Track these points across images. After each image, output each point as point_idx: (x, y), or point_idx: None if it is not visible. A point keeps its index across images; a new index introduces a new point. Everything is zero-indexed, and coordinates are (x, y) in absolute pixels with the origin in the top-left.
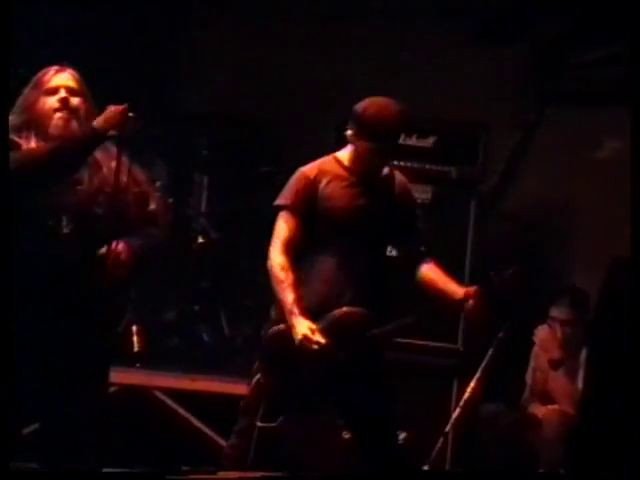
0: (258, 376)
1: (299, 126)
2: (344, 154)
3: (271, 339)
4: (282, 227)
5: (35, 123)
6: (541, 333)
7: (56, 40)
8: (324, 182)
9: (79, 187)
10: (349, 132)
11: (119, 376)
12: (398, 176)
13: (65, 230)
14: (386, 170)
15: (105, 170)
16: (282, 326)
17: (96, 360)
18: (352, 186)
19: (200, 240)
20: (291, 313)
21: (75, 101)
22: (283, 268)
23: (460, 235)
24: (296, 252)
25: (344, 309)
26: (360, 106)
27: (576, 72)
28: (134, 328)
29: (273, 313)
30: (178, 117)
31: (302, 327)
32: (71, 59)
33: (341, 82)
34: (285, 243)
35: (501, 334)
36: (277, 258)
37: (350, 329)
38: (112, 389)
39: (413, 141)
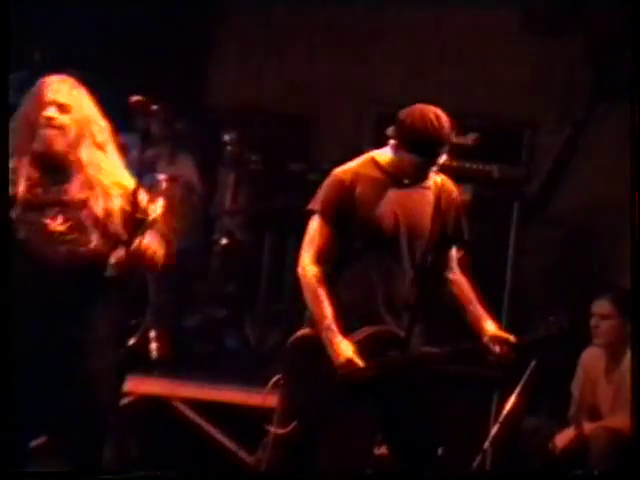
0: (276, 377)
1: (332, 122)
2: (384, 156)
3: (295, 342)
4: (316, 234)
5: (26, 135)
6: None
7: (79, 31)
8: (361, 187)
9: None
10: (392, 141)
11: (136, 384)
12: (446, 183)
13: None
14: (433, 178)
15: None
16: (308, 330)
17: (110, 366)
18: (392, 192)
19: (224, 241)
20: (329, 330)
21: (63, 119)
22: (319, 280)
23: (501, 241)
24: (330, 262)
25: (375, 327)
26: (406, 115)
27: (629, 66)
28: (152, 333)
29: (305, 320)
30: (205, 110)
31: (346, 349)
32: (96, 50)
33: (377, 76)
34: (319, 252)
35: (561, 322)
36: (311, 268)
37: (379, 348)
38: (128, 399)
39: (453, 138)
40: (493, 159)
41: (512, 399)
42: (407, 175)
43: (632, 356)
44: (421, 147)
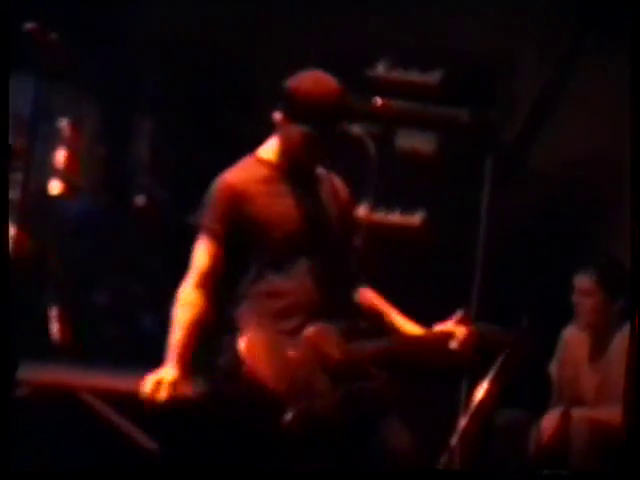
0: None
1: (276, 61)
2: (268, 149)
3: (249, 344)
4: (198, 255)
5: None
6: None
7: None
8: (251, 191)
9: None
10: (277, 116)
11: (36, 374)
12: (336, 180)
13: None
14: (322, 171)
15: None
16: (251, 334)
17: None
18: (285, 191)
19: (141, 201)
20: (167, 358)
21: None
22: (184, 305)
23: (472, 201)
24: (214, 283)
25: (313, 327)
26: (292, 82)
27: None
28: (54, 312)
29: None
30: (119, 42)
31: (160, 374)
32: None
33: (324, 7)
34: (200, 275)
35: (519, 326)
36: (183, 293)
37: (326, 345)
38: (25, 390)
39: (414, 75)
40: (461, 102)
41: (483, 388)
42: (294, 156)
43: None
44: (311, 112)
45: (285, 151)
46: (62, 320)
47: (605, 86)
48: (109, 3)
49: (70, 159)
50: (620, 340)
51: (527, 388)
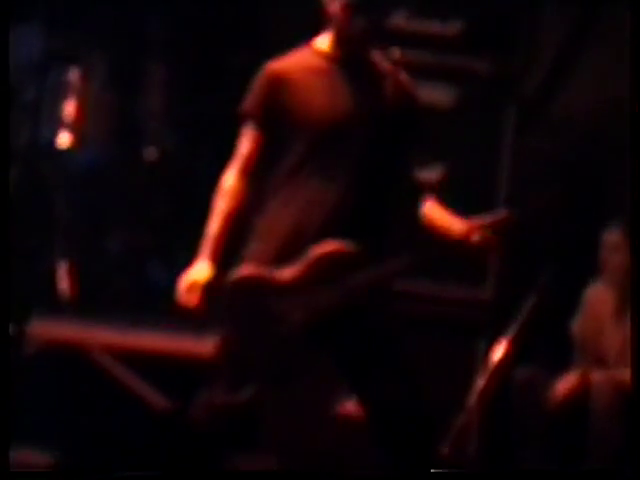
0: (219, 335)
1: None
2: (324, 40)
3: (235, 286)
4: (242, 141)
5: None
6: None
7: None
8: (298, 79)
9: None
10: None
11: (44, 329)
12: (401, 74)
13: None
14: (387, 66)
15: None
16: (250, 269)
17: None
18: (334, 81)
19: (151, 151)
20: (201, 250)
21: None
22: (227, 194)
23: (493, 152)
24: (263, 172)
25: (326, 245)
26: None
27: None
28: (63, 265)
29: (246, 252)
30: None
31: (191, 272)
32: None
33: None
34: (244, 162)
35: (542, 279)
36: (226, 181)
37: (335, 270)
38: (35, 345)
39: (432, 27)
40: (481, 52)
41: (502, 345)
42: (341, 32)
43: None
44: None
45: (337, 38)
46: (71, 274)
47: (625, 36)
48: None
49: (79, 110)
50: None
51: (548, 345)
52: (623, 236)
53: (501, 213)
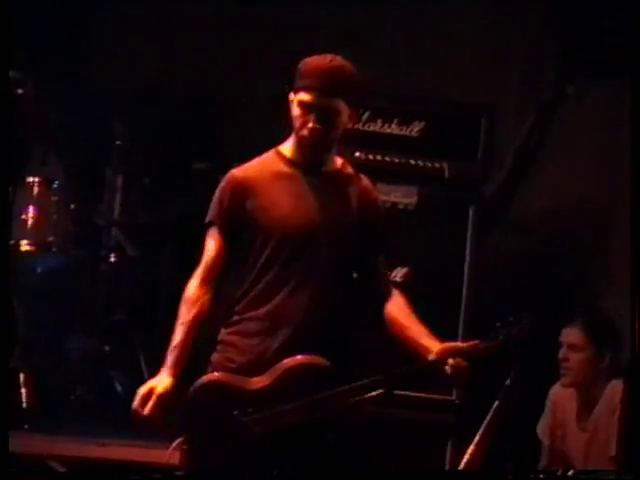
0: (179, 440)
1: (243, 110)
2: (288, 145)
3: (199, 392)
4: (208, 248)
5: None
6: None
7: None
8: (263, 185)
9: None
10: (290, 96)
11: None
12: (363, 179)
13: None
14: (348, 170)
15: None
16: (216, 375)
17: None
18: (299, 187)
19: (112, 258)
20: (166, 359)
21: None
22: (190, 302)
23: (455, 251)
24: (217, 277)
25: (298, 358)
26: (302, 61)
27: (607, 38)
28: (22, 376)
29: (214, 358)
30: (84, 94)
31: (150, 382)
32: None
33: (299, 51)
34: (206, 268)
35: (508, 382)
36: (189, 289)
37: (303, 383)
38: None
39: (393, 128)
40: (443, 154)
41: (470, 449)
42: (298, 131)
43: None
44: (306, 78)
45: (295, 133)
46: (30, 385)
47: (585, 131)
48: (74, 58)
49: (39, 217)
50: (608, 397)
51: (515, 448)
52: (583, 336)
53: (473, 343)
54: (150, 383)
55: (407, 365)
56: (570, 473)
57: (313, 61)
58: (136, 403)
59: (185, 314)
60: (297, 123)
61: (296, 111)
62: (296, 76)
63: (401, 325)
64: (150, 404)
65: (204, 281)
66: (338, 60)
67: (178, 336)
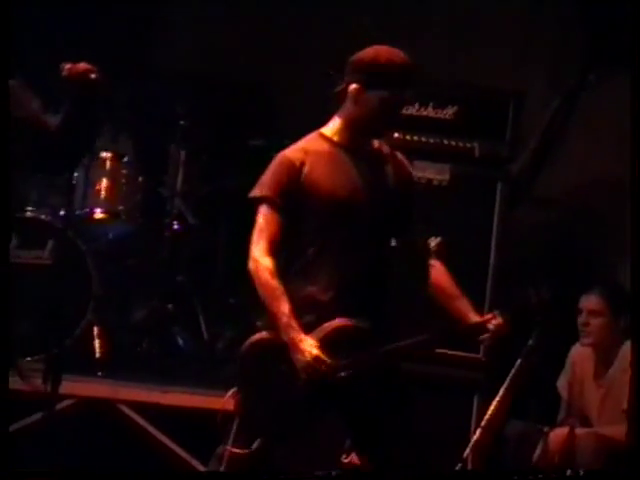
0: (232, 390)
1: (296, 91)
2: (331, 127)
3: (251, 348)
4: (265, 223)
5: None
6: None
7: None
8: (311, 165)
9: None
10: (353, 86)
11: (78, 387)
12: (399, 155)
13: None
14: (385, 148)
15: None
16: (265, 334)
17: None
18: (343, 166)
19: (175, 226)
20: (290, 327)
21: None
22: (272, 274)
23: (484, 225)
24: (282, 252)
25: (336, 322)
26: (367, 53)
27: (625, 29)
28: (96, 330)
29: (260, 323)
30: (150, 77)
31: (310, 347)
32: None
33: (347, 40)
34: (270, 244)
35: (531, 342)
36: (264, 261)
37: (344, 346)
38: (69, 401)
39: (429, 111)
40: (474, 135)
41: (495, 402)
42: (375, 122)
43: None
44: (392, 77)
45: (359, 121)
46: (102, 338)
47: (606, 116)
48: (137, 40)
49: (111, 188)
50: (622, 357)
51: (538, 402)
52: (602, 302)
53: (499, 316)
54: (314, 346)
55: (451, 325)
56: (569, 473)
57: (387, 57)
58: (319, 362)
59: (278, 285)
60: (371, 115)
61: (371, 105)
62: (363, 70)
63: (448, 295)
64: (326, 357)
65: (275, 254)
66: (402, 53)
67: (286, 304)
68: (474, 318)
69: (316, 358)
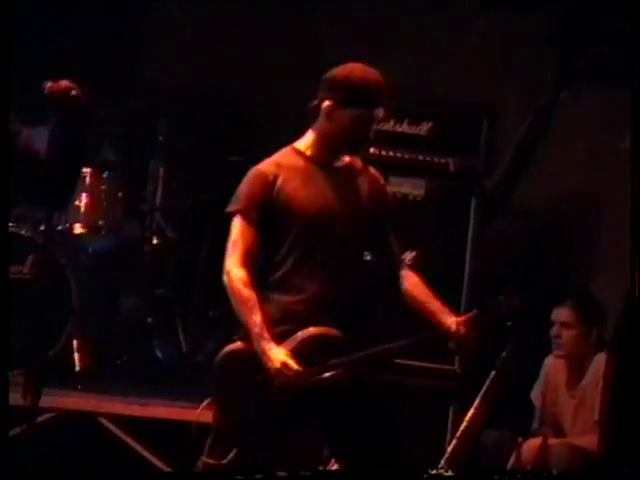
0: (207, 401)
1: (274, 107)
2: (304, 142)
3: (226, 358)
4: (238, 237)
5: None
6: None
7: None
8: (284, 178)
9: None
10: (326, 103)
11: (58, 400)
12: (371, 170)
13: None
14: (357, 163)
15: None
16: (239, 344)
17: None
18: (316, 180)
19: (155, 240)
20: (261, 337)
21: None
22: (245, 284)
23: (459, 238)
24: (256, 265)
25: (309, 330)
26: (341, 71)
27: (598, 47)
28: (76, 343)
29: (237, 334)
30: (131, 95)
31: (278, 354)
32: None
33: (322, 54)
34: (244, 254)
35: (505, 353)
36: (237, 272)
37: (316, 354)
38: (50, 415)
39: (404, 127)
40: (449, 150)
41: (470, 412)
42: (348, 139)
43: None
44: (366, 96)
45: (332, 138)
46: (83, 350)
47: (580, 130)
48: (119, 56)
49: (91, 203)
50: (595, 369)
51: (513, 411)
52: (574, 314)
53: (471, 314)
54: (282, 354)
55: (424, 333)
56: (555, 473)
57: (360, 75)
58: (287, 368)
59: (250, 296)
60: (343, 132)
61: (344, 122)
62: (337, 87)
63: (419, 300)
64: (294, 364)
65: (249, 266)
66: (376, 72)
67: (258, 315)
68: (449, 318)
69: (284, 364)
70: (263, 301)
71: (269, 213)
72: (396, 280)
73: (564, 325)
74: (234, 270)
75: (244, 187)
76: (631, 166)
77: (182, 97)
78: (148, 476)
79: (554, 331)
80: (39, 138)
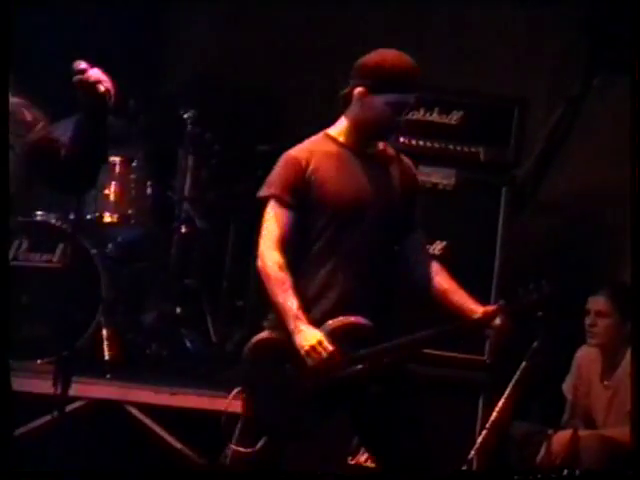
0: (236, 390)
1: (304, 97)
2: (337, 129)
3: (255, 348)
4: (272, 221)
5: None
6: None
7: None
8: (316, 164)
9: None
10: (358, 90)
11: (87, 389)
12: (404, 158)
13: None
14: (390, 151)
15: None
16: (268, 333)
17: None
18: (349, 166)
19: (183, 230)
20: (297, 319)
21: None
22: (281, 267)
23: (488, 228)
24: (289, 250)
25: (341, 319)
26: (372, 58)
27: (630, 36)
28: (105, 332)
29: (267, 323)
30: (160, 86)
31: (314, 333)
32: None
33: (354, 47)
34: (278, 239)
35: (536, 344)
36: (272, 256)
37: (348, 342)
38: (79, 403)
39: (435, 117)
40: (479, 140)
41: (500, 404)
42: (380, 126)
43: (632, 361)
44: (397, 81)
45: (365, 124)
46: (112, 340)
47: (609, 121)
48: (145, 46)
49: (120, 192)
50: (630, 359)
51: (543, 403)
52: (609, 303)
53: (499, 305)
54: (316, 335)
55: (456, 322)
56: (565, 473)
57: (391, 62)
58: (319, 349)
59: (286, 278)
60: (375, 118)
61: (376, 108)
62: (369, 74)
63: (447, 291)
64: (329, 345)
65: (283, 250)
66: (407, 58)
67: (294, 297)
68: (477, 308)
69: (319, 342)
70: (297, 283)
71: (302, 198)
72: (421, 271)
73: (599, 314)
74: (268, 253)
75: (277, 172)
76: (631, 166)
77: (211, 86)
78: (176, 466)
79: (589, 320)
80: (66, 128)
